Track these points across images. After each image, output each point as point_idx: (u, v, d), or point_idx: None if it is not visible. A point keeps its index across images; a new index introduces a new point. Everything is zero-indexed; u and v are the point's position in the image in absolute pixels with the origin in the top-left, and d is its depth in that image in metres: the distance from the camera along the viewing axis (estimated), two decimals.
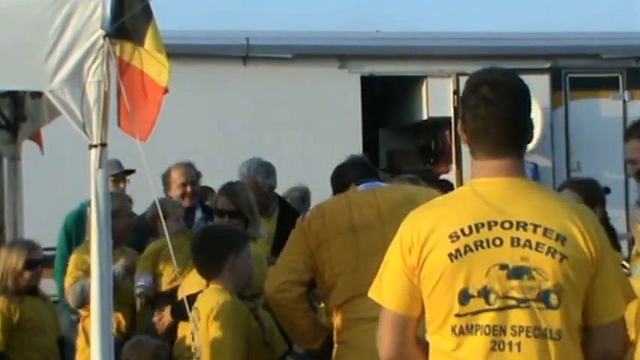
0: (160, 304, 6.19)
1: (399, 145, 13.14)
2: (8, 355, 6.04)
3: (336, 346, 4.88)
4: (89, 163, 4.14)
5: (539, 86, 10.65)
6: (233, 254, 5.09)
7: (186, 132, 10.25)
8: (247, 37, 11.04)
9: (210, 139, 10.45)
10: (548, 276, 3.03)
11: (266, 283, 5.01)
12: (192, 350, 5.04)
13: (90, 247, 4.24)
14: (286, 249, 5.05)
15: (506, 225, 3.07)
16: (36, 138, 6.55)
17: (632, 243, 5.48)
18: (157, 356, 5.59)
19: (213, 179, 7.59)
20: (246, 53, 10.98)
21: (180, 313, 5.26)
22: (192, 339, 5.02)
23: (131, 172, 7.72)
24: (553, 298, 3.02)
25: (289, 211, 7.33)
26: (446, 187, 8.57)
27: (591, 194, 5.22)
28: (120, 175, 8.02)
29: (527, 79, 3.34)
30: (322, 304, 5.24)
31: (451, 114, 11.17)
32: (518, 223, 3.06)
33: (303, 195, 8.60)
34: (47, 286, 6.64)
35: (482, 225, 3.07)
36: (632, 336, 3.82)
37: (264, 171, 7.30)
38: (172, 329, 5.76)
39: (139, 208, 6.96)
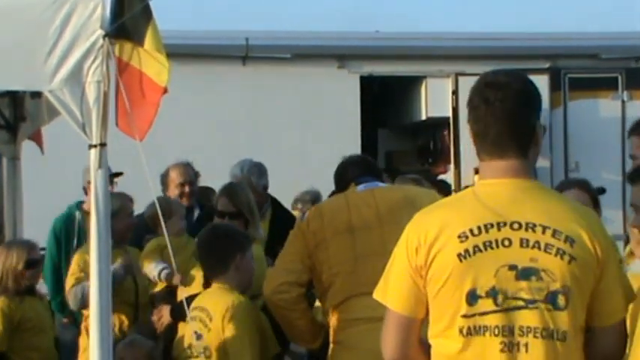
0: (157, 302, 6.19)
1: (397, 145, 13.14)
2: (8, 355, 6.04)
3: (331, 345, 4.88)
4: (89, 163, 4.15)
5: (538, 86, 10.59)
6: (240, 254, 5.11)
7: (185, 132, 10.25)
8: (247, 37, 11.03)
9: (210, 139, 10.44)
10: (556, 277, 3.03)
11: (264, 284, 5.01)
12: (193, 350, 5.04)
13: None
14: (284, 250, 5.04)
15: (515, 226, 3.07)
16: (36, 138, 6.54)
17: (627, 243, 5.49)
18: (152, 356, 5.59)
19: (213, 179, 7.60)
20: (245, 53, 10.98)
21: (180, 314, 5.27)
22: (196, 339, 5.01)
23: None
24: (561, 300, 3.03)
25: (282, 211, 7.34)
26: (444, 188, 8.61)
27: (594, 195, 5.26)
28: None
29: None
30: (318, 303, 5.23)
31: (450, 114, 11.16)
32: (527, 224, 3.07)
33: (315, 198, 8.58)
34: (38, 287, 6.61)
35: (492, 225, 3.07)
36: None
37: (257, 171, 7.30)
38: (171, 329, 5.76)
39: (139, 208, 6.95)
